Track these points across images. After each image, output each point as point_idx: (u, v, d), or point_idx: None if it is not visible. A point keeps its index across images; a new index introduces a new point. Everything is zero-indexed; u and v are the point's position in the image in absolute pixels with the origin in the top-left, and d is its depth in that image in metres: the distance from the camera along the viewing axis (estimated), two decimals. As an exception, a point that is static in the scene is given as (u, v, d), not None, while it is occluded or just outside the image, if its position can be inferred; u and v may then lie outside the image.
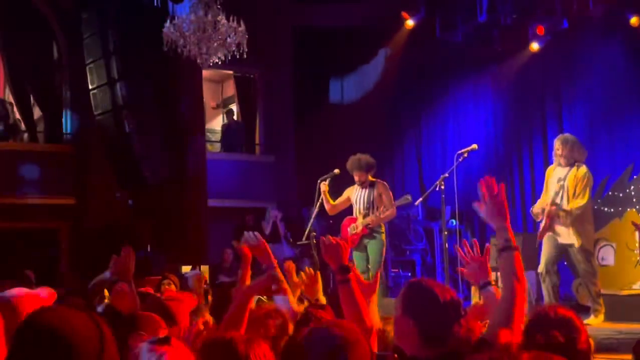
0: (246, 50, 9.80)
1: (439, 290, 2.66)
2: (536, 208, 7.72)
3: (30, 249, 11.78)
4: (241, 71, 14.94)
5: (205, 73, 13.54)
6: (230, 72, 15.10)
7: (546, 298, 7.48)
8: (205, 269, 11.03)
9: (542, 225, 7.58)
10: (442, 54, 13.08)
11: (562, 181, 7.53)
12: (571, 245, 7.50)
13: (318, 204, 8.50)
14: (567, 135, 8.08)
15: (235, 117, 15.31)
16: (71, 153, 12.59)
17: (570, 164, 7.55)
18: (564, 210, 7.43)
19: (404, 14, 12.65)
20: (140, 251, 10.79)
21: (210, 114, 16.28)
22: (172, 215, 12.07)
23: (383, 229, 8.51)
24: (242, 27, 9.77)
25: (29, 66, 12.69)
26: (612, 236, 9.64)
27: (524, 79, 12.73)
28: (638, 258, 9.12)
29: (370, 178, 8.50)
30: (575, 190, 7.44)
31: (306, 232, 8.60)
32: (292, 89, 14.84)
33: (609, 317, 7.53)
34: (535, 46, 12.11)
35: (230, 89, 16.28)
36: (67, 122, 12.89)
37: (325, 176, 8.48)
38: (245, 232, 3.87)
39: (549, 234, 7.56)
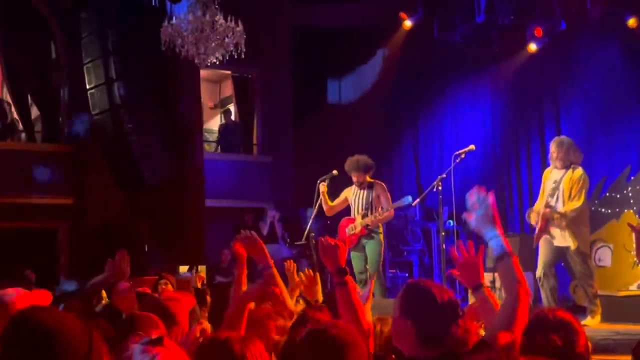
0: (244, 50, 9.80)
1: (436, 291, 2.67)
2: (532, 213, 7.72)
3: (29, 249, 11.77)
4: (239, 71, 14.95)
5: (203, 73, 13.54)
6: (228, 72, 15.10)
7: (545, 301, 7.48)
8: (202, 269, 11.05)
9: (537, 228, 7.59)
10: (440, 54, 13.08)
11: (558, 184, 7.53)
12: (567, 248, 7.50)
13: (317, 204, 8.50)
14: (562, 137, 8.08)
15: (232, 117, 15.32)
16: (69, 153, 12.58)
17: (566, 166, 7.55)
18: (559, 213, 7.43)
19: (402, 14, 12.65)
20: (138, 251, 10.82)
21: (208, 114, 16.28)
22: (170, 215, 12.08)
23: (381, 230, 8.51)
24: (240, 27, 9.77)
25: (27, 66, 12.69)
26: (610, 237, 9.65)
27: (522, 79, 12.74)
28: (635, 259, 9.12)
29: (368, 179, 8.49)
30: (570, 193, 7.44)
31: (305, 233, 8.61)
32: (290, 89, 14.84)
33: (606, 318, 7.53)
34: (533, 47, 12.12)
35: (228, 89, 16.28)
36: (65, 122, 12.88)
37: (324, 177, 8.48)
38: (242, 231, 3.88)
39: (545, 236, 7.56)
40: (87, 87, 11.91)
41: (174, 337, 3.55)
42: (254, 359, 2.42)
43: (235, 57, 9.86)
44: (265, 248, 3.84)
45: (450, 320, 2.62)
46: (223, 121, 15.48)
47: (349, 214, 8.62)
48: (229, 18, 9.70)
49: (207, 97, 16.00)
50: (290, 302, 4.03)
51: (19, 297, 3.46)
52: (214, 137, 15.85)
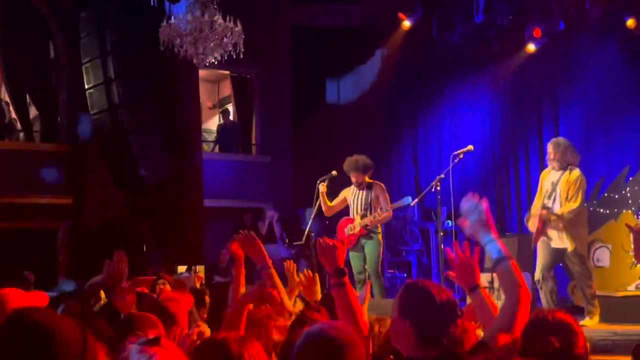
0: (242, 50, 9.80)
1: (435, 291, 2.67)
2: (531, 218, 7.71)
3: (28, 249, 11.76)
4: (238, 71, 14.95)
5: (201, 73, 13.54)
6: (227, 72, 15.10)
7: (544, 303, 7.48)
8: (201, 269, 11.04)
9: (535, 229, 7.58)
10: (439, 54, 13.08)
11: (555, 185, 7.53)
12: (564, 250, 7.50)
13: (316, 205, 8.50)
14: (559, 139, 8.07)
15: (231, 117, 15.31)
16: (67, 152, 12.57)
17: (563, 167, 7.54)
18: (556, 215, 7.43)
19: (401, 15, 12.65)
20: (137, 251, 10.81)
21: (207, 114, 16.28)
22: (169, 215, 12.07)
23: (380, 230, 8.51)
24: (239, 27, 9.77)
25: (26, 65, 12.68)
26: (608, 238, 9.65)
27: (520, 80, 12.74)
28: (633, 260, 9.12)
29: (367, 179, 8.50)
30: (567, 194, 7.44)
31: (305, 233, 8.61)
32: (289, 89, 14.84)
33: (604, 319, 7.53)
34: (531, 47, 12.12)
35: (226, 89, 16.28)
36: (64, 121, 12.87)
37: (324, 177, 8.48)
38: (240, 232, 3.88)
39: (542, 239, 7.56)
40: (86, 86, 11.90)
41: (173, 337, 3.55)
42: (251, 359, 2.42)
43: (234, 57, 9.86)
44: (263, 248, 3.84)
45: (448, 319, 2.63)
46: (221, 121, 15.49)
47: (348, 214, 8.62)
48: (227, 18, 9.70)
49: (205, 97, 16.00)
50: (289, 303, 4.04)
51: (14, 296, 3.46)
52: (212, 137, 15.85)
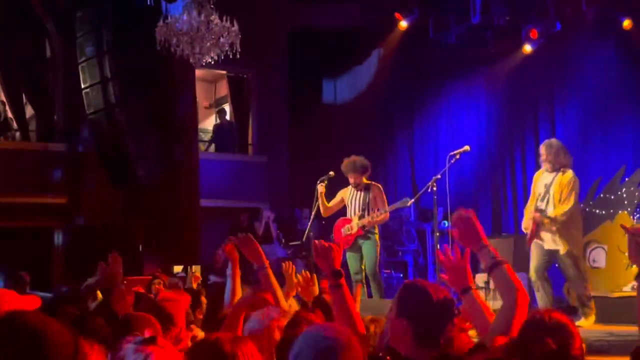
0: (239, 50, 9.79)
1: (432, 290, 2.68)
2: (525, 221, 7.71)
3: (23, 248, 11.74)
4: (234, 71, 14.94)
5: (198, 73, 13.52)
6: (224, 72, 15.09)
7: (540, 303, 7.48)
8: (197, 269, 11.03)
9: (528, 231, 7.58)
10: (436, 55, 13.10)
11: (548, 187, 7.51)
12: (557, 251, 7.50)
13: (315, 205, 8.50)
14: (552, 140, 8.04)
15: (227, 117, 15.30)
16: (63, 152, 12.55)
17: (556, 169, 7.52)
18: (549, 217, 7.43)
19: (398, 15, 12.66)
20: (133, 251, 10.80)
21: (203, 113, 16.26)
22: (165, 214, 12.05)
23: (377, 230, 8.52)
24: (236, 27, 9.76)
25: (22, 65, 12.66)
26: (604, 238, 9.66)
27: (517, 80, 12.77)
28: (629, 260, 9.13)
29: (365, 180, 8.50)
30: (561, 197, 7.43)
31: (305, 233, 8.62)
32: (285, 89, 14.83)
33: (600, 319, 7.53)
34: (528, 48, 12.14)
35: (223, 89, 16.27)
36: (60, 121, 12.85)
37: (323, 178, 8.48)
38: (238, 234, 3.88)
39: (535, 241, 7.56)
40: (82, 86, 11.88)
41: (170, 337, 3.55)
42: (245, 359, 2.41)
43: (231, 57, 9.85)
44: (260, 248, 3.84)
45: (446, 319, 2.64)
46: (218, 121, 15.47)
47: (345, 215, 8.62)
48: (224, 18, 9.69)
49: (202, 97, 15.98)
50: (285, 304, 4.03)
51: (5, 299, 3.45)
52: (208, 137, 15.84)
